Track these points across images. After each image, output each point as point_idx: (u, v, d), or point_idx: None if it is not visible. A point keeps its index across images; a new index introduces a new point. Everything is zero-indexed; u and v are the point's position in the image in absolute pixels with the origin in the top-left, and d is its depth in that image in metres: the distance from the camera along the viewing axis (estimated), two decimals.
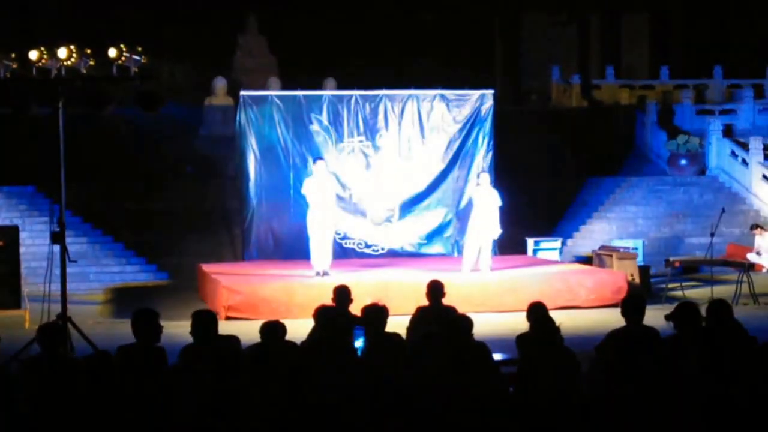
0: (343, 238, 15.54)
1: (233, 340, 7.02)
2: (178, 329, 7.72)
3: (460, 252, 15.25)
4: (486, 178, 14.23)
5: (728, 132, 21.29)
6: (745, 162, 20.00)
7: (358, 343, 7.20)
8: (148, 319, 6.62)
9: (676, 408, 5.95)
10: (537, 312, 7.38)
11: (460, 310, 8.02)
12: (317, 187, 13.63)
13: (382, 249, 15.84)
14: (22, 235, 13.95)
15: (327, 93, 16.99)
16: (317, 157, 14.59)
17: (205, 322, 6.86)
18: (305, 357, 6.98)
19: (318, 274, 13.44)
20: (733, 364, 6.39)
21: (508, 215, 16.33)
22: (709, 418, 5.84)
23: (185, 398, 5.94)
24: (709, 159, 20.56)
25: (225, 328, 7.18)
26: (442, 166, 16.02)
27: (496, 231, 13.90)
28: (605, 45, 27.66)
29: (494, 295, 13.08)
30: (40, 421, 5.76)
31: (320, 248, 13.52)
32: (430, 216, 16.03)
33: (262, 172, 15.58)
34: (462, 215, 15.51)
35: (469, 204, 14.64)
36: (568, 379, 6.51)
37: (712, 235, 14.24)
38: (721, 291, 13.56)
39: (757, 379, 6.04)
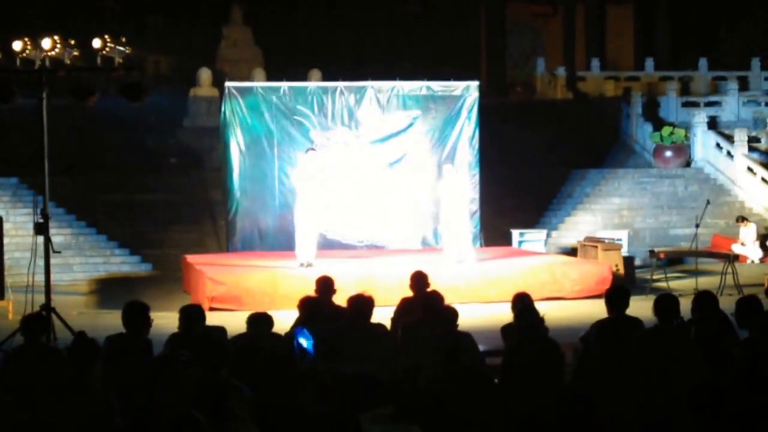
0: (327, 230, 15.48)
1: (219, 330, 7.02)
2: (162, 320, 7.71)
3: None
4: (449, 169, 14.14)
5: (713, 124, 21.35)
6: (730, 154, 20.06)
7: (303, 342, 7.14)
8: (138, 312, 6.62)
9: (660, 398, 5.94)
10: (522, 303, 7.38)
11: (446, 301, 8.01)
12: (307, 177, 13.56)
13: (366, 240, 15.80)
14: (6, 226, 13.85)
15: (312, 84, 16.90)
16: (309, 147, 14.51)
17: (193, 317, 6.86)
18: (290, 347, 6.97)
19: (302, 265, 13.39)
20: (719, 355, 6.41)
21: (492, 207, 16.36)
22: (695, 407, 5.85)
23: (171, 387, 5.95)
24: (695, 151, 20.60)
25: (209, 319, 7.16)
26: (427, 157, 15.98)
27: (464, 221, 13.82)
28: (590, 37, 27.65)
29: (479, 287, 13.06)
30: (24, 411, 5.72)
31: (307, 239, 13.47)
32: (414, 207, 16.00)
33: (246, 163, 15.49)
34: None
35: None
36: (552, 369, 6.52)
37: (697, 226, 14.26)
38: (705, 282, 13.59)
39: (742, 368, 6.05)
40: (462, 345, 6.66)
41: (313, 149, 14.19)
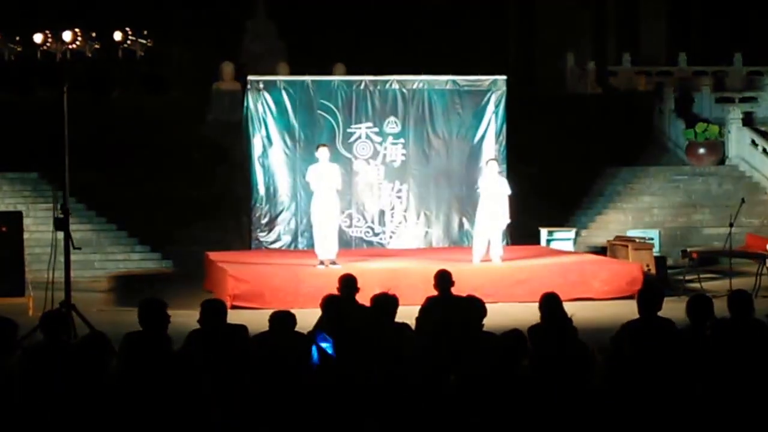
0: (349, 226, 15.33)
1: (241, 329, 6.91)
2: (182, 318, 7.58)
3: (469, 242, 15.00)
4: (493, 166, 13.94)
5: (748, 120, 20.90)
6: (765, 151, 19.65)
7: (324, 345, 6.95)
8: (155, 310, 6.51)
9: (690, 401, 5.80)
10: (550, 303, 7.21)
11: None
12: (321, 174, 13.36)
13: (390, 237, 15.61)
14: (26, 221, 13.80)
15: (336, 78, 16.73)
16: (320, 143, 14.30)
17: (214, 311, 6.75)
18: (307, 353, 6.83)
19: (322, 263, 13.18)
20: (750, 356, 6.22)
21: (520, 204, 16.07)
22: (725, 411, 5.69)
23: (190, 384, 5.85)
24: (729, 148, 20.19)
25: (231, 317, 7.05)
26: (452, 153, 15.75)
27: (504, 220, 13.66)
28: (622, 30, 27.23)
29: (506, 286, 12.85)
30: (42, 409, 5.62)
31: (325, 237, 13.27)
32: (439, 204, 15.78)
33: (269, 158, 15.36)
34: (471, 204, 15.24)
35: (479, 193, 14.36)
36: (580, 371, 6.36)
37: (731, 225, 13.91)
38: (740, 283, 13.23)
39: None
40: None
41: (324, 144, 13.92)
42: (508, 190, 13.75)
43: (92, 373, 5.60)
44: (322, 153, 13.55)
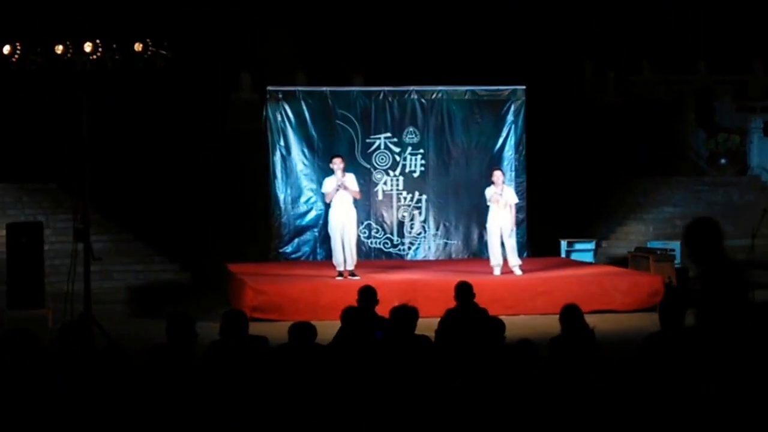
0: (368, 237, 15.30)
1: (261, 340, 6.90)
2: (201, 329, 7.54)
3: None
4: (498, 175, 13.73)
5: None
6: None
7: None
8: (184, 326, 6.47)
9: (711, 413, 5.66)
10: (570, 315, 7.15)
11: (491, 312, 7.80)
12: (334, 185, 13.28)
13: (409, 249, 15.57)
14: (46, 232, 13.80)
15: (355, 88, 16.75)
16: (334, 153, 14.23)
17: (236, 322, 6.74)
18: (331, 358, 6.83)
19: (340, 275, 13.13)
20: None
21: (539, 215, 16.03)
22: (748, 424, 5.60)
23: (209, 395, 5.85)
24: (751, 158, 20.03)
25: (250, 328, 7.02)
26: (472, 163, 15.71)
27: (511, 227, 13.50)
28: (641, 38, 27.11)
29: (526, 298, 12.78)
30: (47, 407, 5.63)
31: (343, 248, 13.21)
32: (459, 215, 15.73)
33: (288, 168, 15.39)
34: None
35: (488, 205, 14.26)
36: (602, 383, 6.30)
37: (754, 236, 13.80)
38: (763, 296, 13.08)
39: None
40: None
41: (339, 155, 13.84)
42: (515, 199, 13.68)
43: (108, 385, 5.60)
44: (337, 164, 13.51)
